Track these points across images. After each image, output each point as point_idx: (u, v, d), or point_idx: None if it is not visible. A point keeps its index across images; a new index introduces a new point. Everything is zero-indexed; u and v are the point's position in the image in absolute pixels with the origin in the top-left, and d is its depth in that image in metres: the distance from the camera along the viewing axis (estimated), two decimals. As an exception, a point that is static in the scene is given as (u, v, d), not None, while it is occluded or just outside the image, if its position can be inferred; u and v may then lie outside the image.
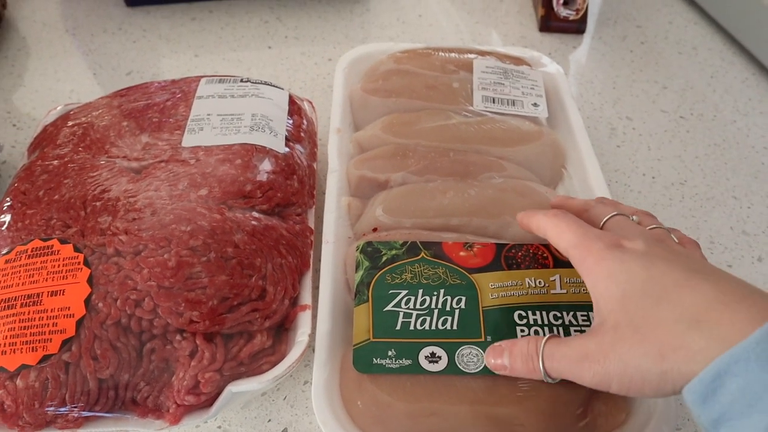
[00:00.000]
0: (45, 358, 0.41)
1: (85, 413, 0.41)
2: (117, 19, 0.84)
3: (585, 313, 0.46)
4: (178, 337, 0.42)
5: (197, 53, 0.78)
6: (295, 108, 0.59)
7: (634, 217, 0.40)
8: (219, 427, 0.46)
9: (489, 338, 0.43)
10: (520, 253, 0.49)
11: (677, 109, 0.72)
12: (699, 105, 0.72)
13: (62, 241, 0.45)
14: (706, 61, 0.78)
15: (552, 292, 0.47)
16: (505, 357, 0.38)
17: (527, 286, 0.47)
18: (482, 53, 0.67)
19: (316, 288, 0.47)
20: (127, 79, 0.75)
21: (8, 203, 0.50)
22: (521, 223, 0.44)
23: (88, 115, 0.57)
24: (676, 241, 0.39)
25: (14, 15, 0.85)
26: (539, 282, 0.47)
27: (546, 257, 0.49)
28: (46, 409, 0.40)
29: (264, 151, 0.51)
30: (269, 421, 0.47)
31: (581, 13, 0.79)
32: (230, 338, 0.43)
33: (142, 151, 0.52)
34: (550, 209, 0.41)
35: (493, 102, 0.60)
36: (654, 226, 0.39)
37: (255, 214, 0.48)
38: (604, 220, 0.40)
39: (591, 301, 0.46)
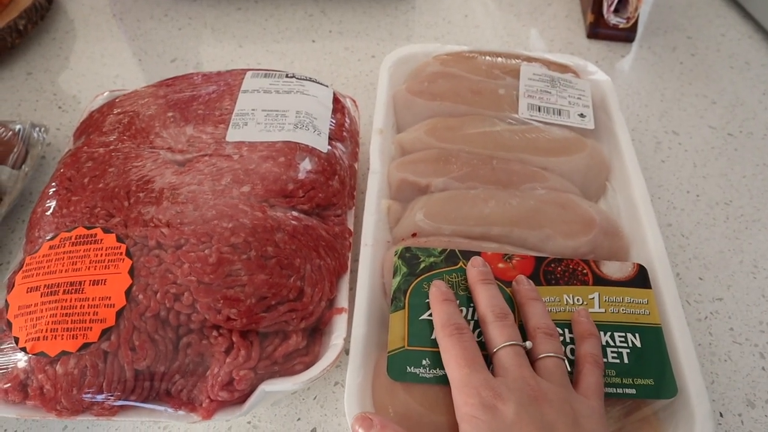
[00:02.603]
0: (85, 346, 0.41)
1: (121, 402, 0.42)
2: (163, 5, 0.84)
3: (623, 334, 0.45)
4: (215, 333, 0.43)
5: (241, 44, 0.79)
6: (338, 106, 0.58)
7: (527, 344, 0.40)
8: (249, 422, 0.47)
9: (525, 354, 0.42)
10: (559, 268, 0.48)
11: (726, 125, 0.70)
12: (749, 122, 0.70)
13: (105, 231, 0.45)
14: (759, 77, 0.76)
15: (590, 310, 0.46)
16: None
17: (565, 302, 0.46)
18: (529, 59, 0.66)
19: (352, 290, 0.47)
20: (171, 66, 0.76)
21: (54, 188, 0.50)
22: (432, 304, 0.43)
23: (134, 104, 0.57)
24: (569, 370, 0.41)
25: (63, -3, 0.86)
26: (577, 299, 0.47)
27: (586, 273, 0.48)
28: (83, 395, 0.41)
29: (307, 150, 0.51)
30: (298, 420, 0.47)
31: (632, 22, 0.78)
32: (266, 337, 0.44)
33: (186, 144, 0.52)
34: (449, 325, 0.41)
35: (539, 110, 0.60)
36: (546, 354, 0.40)
37: (295, 213, 0.48)
38: (495, 349, 0.40)
39: (630, 322, 0.46)
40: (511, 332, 0.40)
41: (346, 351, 0.45)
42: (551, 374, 0.39)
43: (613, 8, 0.78)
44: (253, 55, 0.77)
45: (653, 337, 0.45)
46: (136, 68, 0.75)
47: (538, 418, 0.35)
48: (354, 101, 0.62)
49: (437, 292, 0.43)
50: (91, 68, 0.76)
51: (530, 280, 0.46)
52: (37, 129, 0.63)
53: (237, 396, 0.42)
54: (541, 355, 0.40)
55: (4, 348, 0.43)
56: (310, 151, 0.51)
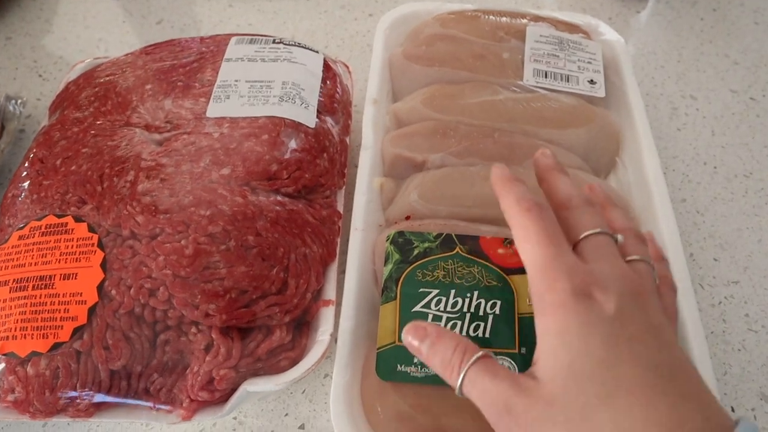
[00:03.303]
0: (56, 346, 0.39)
1: (99, 399, 0.40)
2: (149, -40, 0.79)
3: (631, 326, 0.42)
4: (194, 330, 0.40)
5: (231, 3, 0.74)
6: (329, 74, 0.54)
7: (620, 237, 0.34)
8: (234, 418, 0.45)
9: (524, 350, 0.39)
10: (563, 254, 0.45)
11: (748, 89, 0.65)
12: (773, 85, 0.65)
13: (77, 219, 0.43)
14: (785, 34, 0.70)
15: (596, 299, 0.43)
16: (425, 346, 0.33)
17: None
18: (536, 18, 0.61)
19: (341, 279, 0.44)
20: (157, 28, 0.71)
21: (25, 171, 0.47)
22: (493, 186, 0.36)
23: (112, 75, 0.53)
24: (657, 282, 0.34)
25: (44, -47, 0.81)
26: (583, 288, 0.43)
27: (592, 259, 0.45)
28: (58, 396, 0.39)
29: (293, 126, 0.48)
30: (286, 415, 0.45)
31: (649, -26, 0.72)
32: (248, 332, 0.41)
33: (164, 120, 0.48)
34: (525, 200, 0.33)
35: (546, 77, 0.55)
36: (638, 257, 0.34)
37: (279, 198, 0.44)
38: (584, 235, 0.33)
39: None
40: (599, 220, 0.33)
41: (336, 340, 0.42)
42: (645, 279, 0.33)
43: (629, -41, 0.72)
44: (243, 14, 0.72)
45: (663, 330, 0.42)
46: (120, 31, 0.71)
47: (643, 318, 0.29)
48: (347, 66, 0.58)
49: (500, 173, 0.35)
50: (74, 31, 0.72)
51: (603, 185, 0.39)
52: (14, 102, 0.59)
53: (218, 396, 0.40)
54: (633, 257, 0.33)
55: (-27, 346, 0.41)
56: (297, 127, 0.48)
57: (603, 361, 0.27)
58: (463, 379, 0.30)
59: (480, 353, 0.31)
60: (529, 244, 0.31)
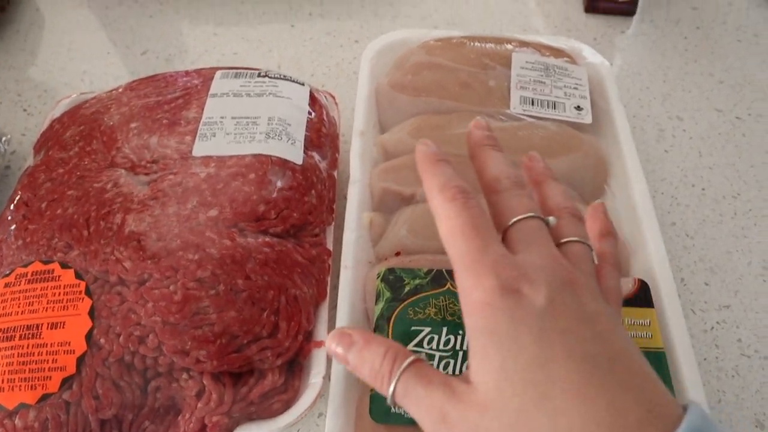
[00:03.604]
0: (44, 397, 0.38)
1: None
2: (133, -11, 0.79)
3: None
4: (185, 376, 0.40)
5: (216, 31, 0.74)
6: (315, 106, 0.54)
7: (551, 220, 0.32)
8: (228, 461, 0.44)
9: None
10: (555, 286, 0.45)
11: (733, 108, 0.65)
12: (758, 104, 0.66)
13: (63, 266, 0.42)
14: (768, 51, 0.71)
15: (588, 332, 0.43)
16: (352, 354, 0.30)
17: (561, 325, 0.43)
18: (521, 43, 0.61)
19: (332, 319, 0.44)
20: (141, 59, 0.71)
21: (10, 216, 0.47)
22: (417, 166, 0.33)
23: (96, 113, 0.53)
24: (595, 262, 0.32)
25: (27, -16, 0.80)
26: (575, 320, 0.43)
27: (583, 291, 0.45)
28: (47, 448, 0.38)
29: (280, 164, 0.47)
30: (280, 457, 0.44)
31: (633, -6, 0.72)
32: (239, 377, 0.41)
33: (150, 161, 0.48)
34: (449, 188, 0.30)
35: (532, 104, 0.55)
36: (574, 238, 0.31)
37: (268, 238, 0.44)
38: (512, 221, 0.30)
39: (653, 349, 0.42)
40: (529, 203, 0.31)
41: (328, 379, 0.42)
42: (579, 263, 0.30)
43: (612, -20, 0.72)
44: (228, 43, 0.72)
45: (656, 364, 0.42)
46: (104, 62, 0.71)
47: (576, 307, 0.27)
48: (334, 98, 0.58)
49: (425, 150, 0.32)
50: (58, 63, 0.71)
51: (543, 160, 0.36)
52: (-2, 139, 0.59)
53: (211, 442, 0.39)
54: (568, 239, 0.31)
55: (-40, 399, 0.40)
56: (284, 165, 0.48)
57: (535, 359, 0.25)
58: (395, 387, 0.28)
59: (412, 358, 0.29)
60: (453, 238, 0.29)
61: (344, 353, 0.31)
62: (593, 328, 0.26)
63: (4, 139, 0.59)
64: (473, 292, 0.27)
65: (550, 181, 0.35)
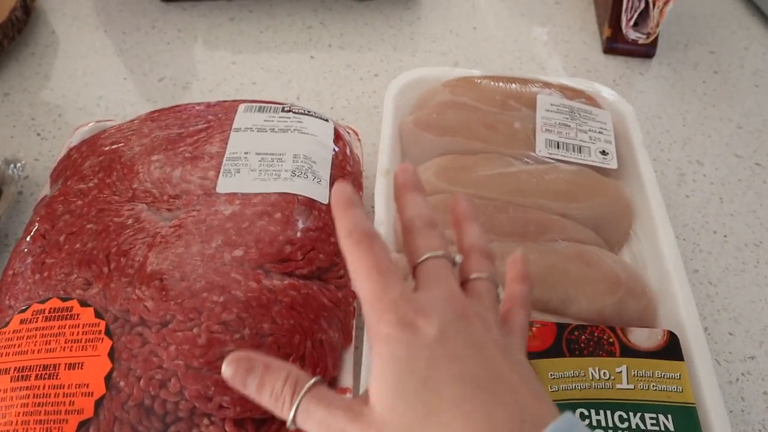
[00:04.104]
0: (60, 442, 0.37)
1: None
2: (151, 15, 0.79)
3: (654, 415, 0.41)
4: (206, 421, 0.39)
5: (234, 59, 0.73)
6: (339, 143, 0.54)
7: (457, 258, 0.35)
8: None
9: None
10: (583, 336, 0.44)
11: (753, 154, 0.65)
12: (778, 150, 0.66)
13: (83, 303, 0.41)
14: (786, 97, 0.71)
15: (617, 386, 0.42)
16: (252, 379, 0.31)
17: (590, 377, 0.42)
18: (545, 85, 0.61)
19: (357, 365, 0.43)
20: (158, 86, 0.70)
21: (26, 247, 0.46)
22: (332, 208, 0.34)
23: (117, 143, 0.52)
24: (499, 298, 0.34)
25: (44, 6, 0.80)
26: (604, 373, 0.43)
27: (612, 342, 0.44)
28: (60, 495, 0.37)
29: (306, 203, 0.47)
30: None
31: (652, 37, 0.72)
32: (262, 423, 0.39)
33: (172, 196, 0.47)
34: (356, 232, 0.32)
35: (558, 147, 0.55)
36: (477, 276, 0.34)
37: (293, 281, 0.43)
38: (420, 259, 0.33)
39: (661, 401, 0.42)
40: (437, 242, 0.34)
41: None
42: (481, 299, 0.33)
43: (632, 22, 0.72)
44: (247, 73, 0.72)
45: (687, 419, 0.41)
46: (120, 88, 0.70)
47: (466, 336, 0.30)
48: (356, 133, 0.57)
49: (340, 196, 0.34)
50: (73, 88, 0.70)
51: (468, 200, 0.39)
52: (13, 165, 0.58)
53: (231, 492, 0.38)
54: (473, 276, 0.34)
55: (-29, 440, 0.39)
56: (310, 204, 0.47)
57: (425, 381, 0.28)
58: (296, 410, 0.30)
59: (312, 381, 0.31)
60: (359, 278, 0.31)
61: (243, 378, 0.31)
62: (481, 354, 0.29)
63: (18, 165, 0.58)
64: (375, 327, 0.30)
65: (468, 221, 0.38)
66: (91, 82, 0.71)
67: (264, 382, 0.31)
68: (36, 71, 0.72)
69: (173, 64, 0.73)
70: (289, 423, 0.30)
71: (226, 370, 0.31)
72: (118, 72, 0.72)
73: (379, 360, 0.30)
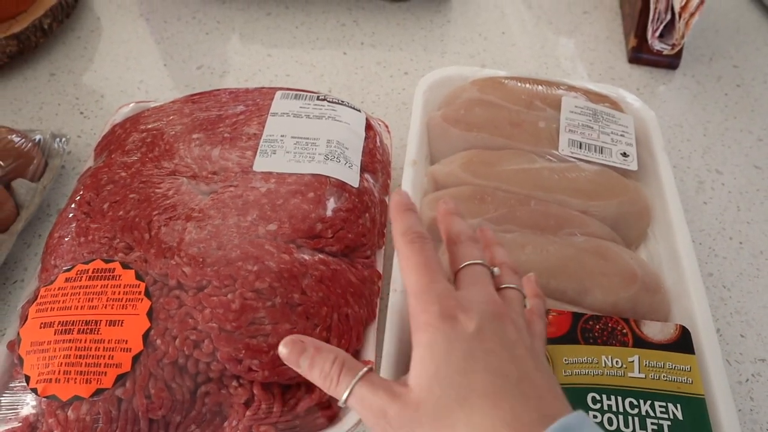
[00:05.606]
0: (98, 392, 0.39)
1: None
2: (192, 6, 0.82)
3: (663, 404, 0.43)
4: (235, 383, 0.41)
5: (270, 52, 0.76)
6: (370, 133, 0.56)
7: (496, 270, 0.39)
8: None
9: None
10: (597, 326, 0.46)
11: (772, 166, 0.67)
12: (796, 164, 0.67)
13: (124, 266, 0.43)
14: (807, 114, 0.72)
15: (629, 375, 0.44)
16: (304, 359, 0.35)
17: (603, 365, 0.44)
18: (570, 88, 0.63)
19: (380, 339, 0.45)
20: (197, 73, 0.73)
21: (72, 213, 0.48)
22: (390, 211, 0.39)
23: (159, 121, 0.55)
24: (526, 307, 0.38)
25: (90, -8, 0.83)
26: (616, 362, 0.44)
27: (626, 333, 0.46)
28: (95, 443, 0.39)
29: (338, 185, 0.49)
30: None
31: (677, 49, 0.74)
32: (287, 389, 0.42)
33: (211, 172, 0.49)
34: (410, 233, 0.37)
35: (580, 147, 0.57)
36: (509, 285, 0.38)
37: (323, 256, 0.45)
38: (463, 264, 0.37)
39: (671, 391, 0.43)
40: (479, 253, 0.38)
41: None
42: (512, 305, 0.37)
43: (658, 33, 0.74)
44: (282, 65, 0.74)
45: (696, 410, 0.42)
46: (160, 74, 0.73)
47: (501, 335, 0.33)
48: (387, 126, 0.60)
49: (398, 200, 0.39)
50: (115, 71, 0.73)
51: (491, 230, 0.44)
52: (58, 139, 0.61)
53: (254, 451, 0.40)
54: (505, 285, 0.38)
55: (15, 387, 0.41)
56: (341, 186, 0.49)
57: (461, 370, 0.32)
58: (350, 394, 0.34)
59: (365, 369, 0.34)
60: (409, 272, 0.35)
61: (296, 358, 0.35)
62: (511, 352, 0.33)
63: (63, 139, 0.61)
64: (420, 316, 0.34)
65: (496, 245, 0.42)
66: (132, 67, 0.74)
67: (315, 362, 0.35)
68: (81, 54, 0.75)
69: (211, 53, 0.76)
70: (341, 402, 0.34)
71: (282, 350, 0.35)
72: (158, 58, 0.75)
73: (420, 347, 0.33)
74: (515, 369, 0.32)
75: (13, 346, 0.43)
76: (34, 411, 0.40)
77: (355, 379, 0.34)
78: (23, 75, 0.72)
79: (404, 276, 0.36)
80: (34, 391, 0.40)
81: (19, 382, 0.41)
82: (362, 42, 0.78)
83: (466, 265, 0.37)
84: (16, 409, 0.40)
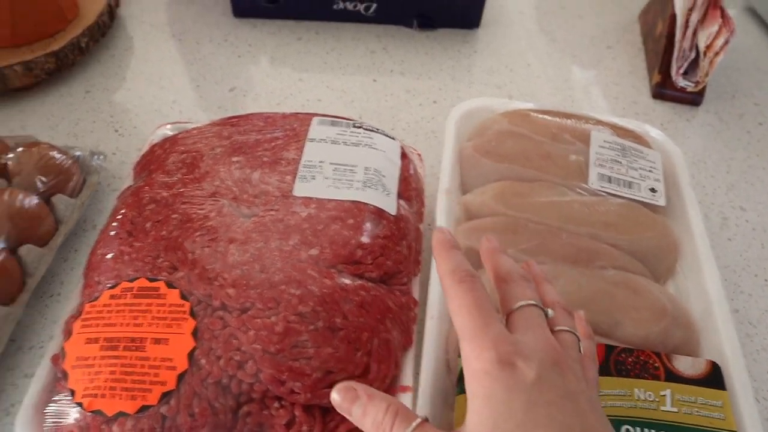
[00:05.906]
0: (143, 409, 0.40)
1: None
2: (224, 29, 0.84)
3: (696, 438, 0.43)
4: (276, 405, 0.41)
5: (301, 77, 0.78)
6: (405, 162, 0.57)
7: (550, 312, 0.37)
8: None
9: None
10: (630, 359, 0.47)
11: (794, 205, 0.68)
12: (818, 204, 0.68)
13: (169, 285, 0.44)
14: (828, 154, 0.74)
15: (662, 408, 0.44)
16: (356, 407, 0.35)
17: (636, 398, 0.45)
18: (598, 122, 0.64)
19: (417, 366, 0.46)
20: (229, 95, 0.75)
21: (115, 231, 0.49)
22: (433, 249, 0.38)
23: (198, 143, 0.56)
24: (581, 352, 0.37)
25: (124, 13, 0.85)
26: (649, 395, 0.45)
27: (657, 367, 0.46)
28: (137, 459, 0.40)
29: (376, 212, 0.50)
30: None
31: (701, 86, 0.76)
32: (328, 411, 0.42)
33: (252, 195, 0.50)
34: (459, 272, 0.35)
35: (609, 181, 0.58)
36: (564, 328, 0.36)
37: (363, 282, 0.46)
38: (517, 306, 0.35)
39: (704, 427, 0.44)
40: (532, 294, 0.36)
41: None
42: (568, 350, 0.35)
43: (682, 70, 0.76)
44: (312, 90, 0.76)
45: (728, 447, 0.43)
46: (193, 95, 0.75)
47: (561, 385, 0.31)
48: (420, 155, 0.61)
49: (442, 238, 0.37)
50: (149, 91, 0.75)
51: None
52: (96, 156, 0.62)
53: (294, 473, 0.41)
54: (559, 328, 0.36)
55: (61, 400, 0.42)
56: (379, 214, 0.50)
57: (523, 424, 0.30)
58: None
59: (419, 419, 0.33)
60: (461, 314, 0.33)
61: (349, 405, 0.35)
62: (573, 404, 0.31)
63: (102, 156, 0.62)
64: (474, 362, 0.32)
65: (545, 282, 0.41)
66: (166, 87, 0.76)
67: (367, 411, 0.34)
68: (115, 72, 0.77)
69: (243, 75, 0.77)
70: None
71: (335, 397, 0.36)
72: (191, 79, 0.77)
73: (476, 398, 0.31)
74: (578, 423, 0.31)
75: (57, 359, 0.44)
76: (78, 424, 0.41)
77: (408, 430, 0.33)
78: (59, 92, 0.74)
79: (455, 318, 0.34)
80: (80, 405, 0.40)
81: (64, 396, 0.42)
82: (392, 69, 0.79)
83: (519, 306, 0.35)
84: (61, 422, 0.41)
